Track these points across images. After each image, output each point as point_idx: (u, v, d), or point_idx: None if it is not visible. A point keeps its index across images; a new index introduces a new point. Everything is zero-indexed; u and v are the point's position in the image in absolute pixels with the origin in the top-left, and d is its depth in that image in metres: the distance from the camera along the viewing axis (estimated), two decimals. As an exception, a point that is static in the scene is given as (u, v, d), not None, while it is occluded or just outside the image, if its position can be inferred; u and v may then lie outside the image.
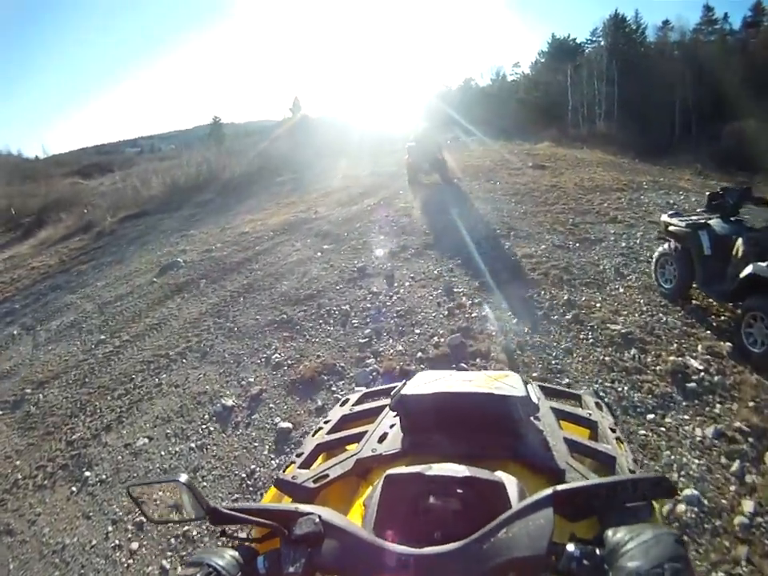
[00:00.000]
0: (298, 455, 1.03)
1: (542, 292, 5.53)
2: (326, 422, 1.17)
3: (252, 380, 4.83)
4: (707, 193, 5.28)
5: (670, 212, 5.45)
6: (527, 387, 0.95)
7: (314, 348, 5.20)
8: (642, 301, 5.41)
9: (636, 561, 0.51)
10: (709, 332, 4.81)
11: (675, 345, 4.62)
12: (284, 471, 0.99)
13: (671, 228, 5.17)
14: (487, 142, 24.75)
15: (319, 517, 0.66)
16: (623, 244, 7.06)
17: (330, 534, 0.64)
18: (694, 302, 5.40)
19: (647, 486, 0.66)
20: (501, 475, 0.73)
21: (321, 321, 5.68)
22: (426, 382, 0.98)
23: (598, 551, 0.56)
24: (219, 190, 17.67)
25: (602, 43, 29.66)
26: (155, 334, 6.43)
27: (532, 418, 0.94)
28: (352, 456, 0.93)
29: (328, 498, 0.89)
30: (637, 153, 17.97)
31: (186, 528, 3.06)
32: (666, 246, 5.35)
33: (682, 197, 10.64)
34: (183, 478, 0.72)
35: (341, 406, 1.27)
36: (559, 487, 0.62)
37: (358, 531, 0.65)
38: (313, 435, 1.13)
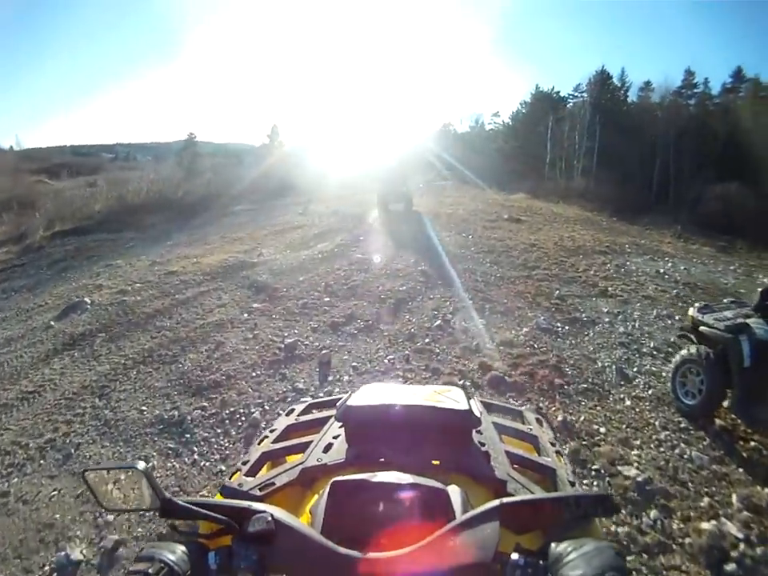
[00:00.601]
0: (244, 463, 1.00)
1: (527, 404, 4.07)
2: (271, 431, 1.14)
3: (111, 519, 3.17)
4: (759, 290, 4.01)
5: (698, 305, 4.15)
6: (470, 402, 0.96)
7: (200, 479, 3.54)
8: (657, 423, 4.04)
9: (578, 570, 0.54)
10: (742, 470, 3.62)
11: (706, 498, 3.33)
12: (230, 479, 0.96)
13: (703, 329, 3.88)
14: (462, 188, 24.37)
15: (272, 515, 0.66)
16: (621, 328, 5.79)
17: (281, 533, 0.65)
18: (717, 421, 4.09)
19: (590, 503, 0.68)
20: (444, 484, 0.73)
21: (220, 430, 4.01)
22: (372, 394, 0.99)
23: (541, 562, 0.59)
24: (169, 213, 15.91)
25: (586, 98, 29.87)
26: (25, 408, 4.74)
27: (474, 432, 0.96)
28: (298, 465, 0.93)
29: (274, 506, 0.82)
30: (614, 210, 17.47)
31: None
32: (691, 350, 4.03)
33: (669, 264, 9.73)
34: (141, 465, 0.72)
35: (286, 415, 1.24)
36: (506, 500, 0.65)
37: (310, 532, 0.65)
38: (258, 443, 1.10)
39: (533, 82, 54.91)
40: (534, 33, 67.75)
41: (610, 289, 7.19)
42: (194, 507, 0.69)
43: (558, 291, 6.80)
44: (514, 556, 0.59)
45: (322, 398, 1.43)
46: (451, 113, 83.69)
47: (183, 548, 0.66)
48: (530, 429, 1.15)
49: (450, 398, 0.95)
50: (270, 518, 0.65)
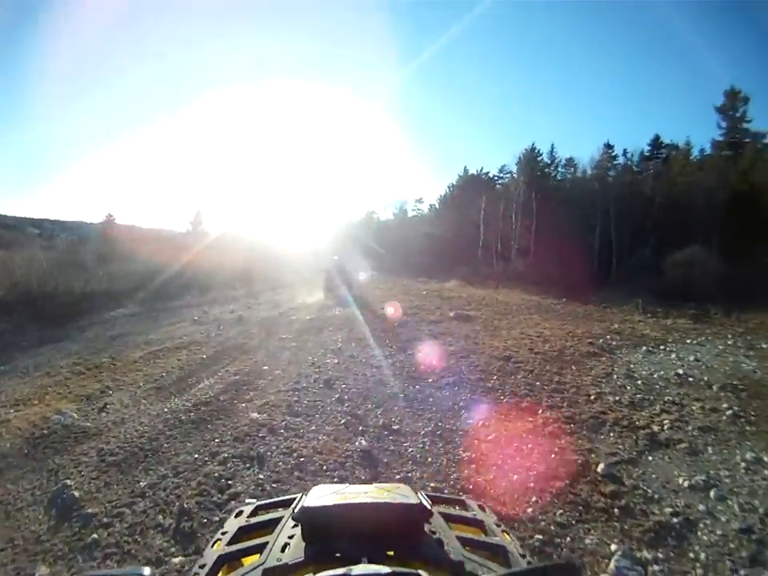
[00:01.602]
0: (201, 566, 0.98)
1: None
2: (222, 534, 1.12)
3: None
4: None
5: None
6: (418, 495, 0.99)
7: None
8: None
9: None
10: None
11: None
12: None
13: None
14: (390, 279, 22.60)
15: None
16: (726, 519, 3.07)
17: None
18: None
19: (557, 572, 0.74)
20: (418, 571, 0.76)
21: None
22: (325, 495, 1.00)
23: None
24: (31, 314, 11.79)
25: (516, 176, 30.52)
26: None
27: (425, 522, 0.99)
28: (258, 566, 0.91)
29: None
30: (561, 291, 16.10)
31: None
32: None
33: (673, 356, 7.70)
34: (147, 571, 0.74)
35: (236, 517, 1.21)
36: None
37: None
38: (212, 546, 1.08)
39: (454, 167, 56.11)
40: (451, 119, 72.88)
41: (655, 427, 4.62)
42: None
43: (594, 457, 4.03)
44: None
45: (268, 499, 1.27)
46: (374, 201, 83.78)
47: None
48: (475, 514, 1.18)
49: (400, 493, 0.99)
50: None
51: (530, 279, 18.88)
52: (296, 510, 0.98)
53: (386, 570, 0.71)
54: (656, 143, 28.53)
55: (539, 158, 31.59)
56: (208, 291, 17.76)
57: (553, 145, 32.32)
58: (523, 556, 0.97)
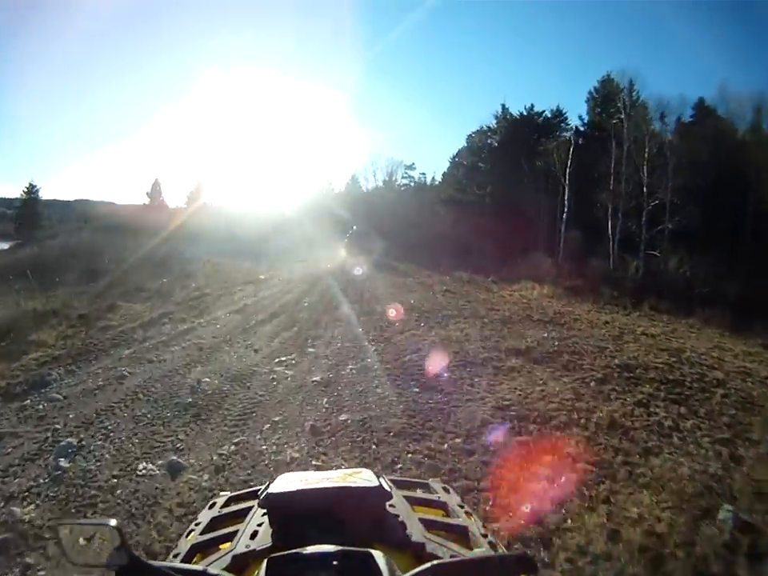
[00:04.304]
0: (175, 556, 1.05)
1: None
2: (196, 525, 1.19)
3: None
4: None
5: None
6: (380, 479, 1.02)
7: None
8: None
9: None
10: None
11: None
12: None
13: None
14: (389, 278, 16.67)
15: None
16: None
17: None
18: None
19: (512, 561, 0.78)
20: (369, 550, 0.80)
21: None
22: (290, 482, 1.03)
23: None
24: None
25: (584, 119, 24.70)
26: None
27: (388, 505, 1.02)
28: (228, 553, 0.96)
29: (227, 572, 0.89)
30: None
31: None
32: None
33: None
34: (113, 522, 0.76)
35: (209, 509, 1.28)
36: (437, 562, 0.76)
37: None
38: (186, 536, 1.15)
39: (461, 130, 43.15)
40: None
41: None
42: (157, 569, 0.76)
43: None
44: None
45: (239, 491, 1.37)
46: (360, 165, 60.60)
47: None
48: (438, 497, 1.25)
49: (362, 478, 1.02)
50: None
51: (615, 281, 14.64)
52: (261, 498, 1.01)
53: (334, 548, 0.78)
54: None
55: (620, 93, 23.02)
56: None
57: (631, 79, 22.75)
58: (485, 536, 1.05)
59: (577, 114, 30.86)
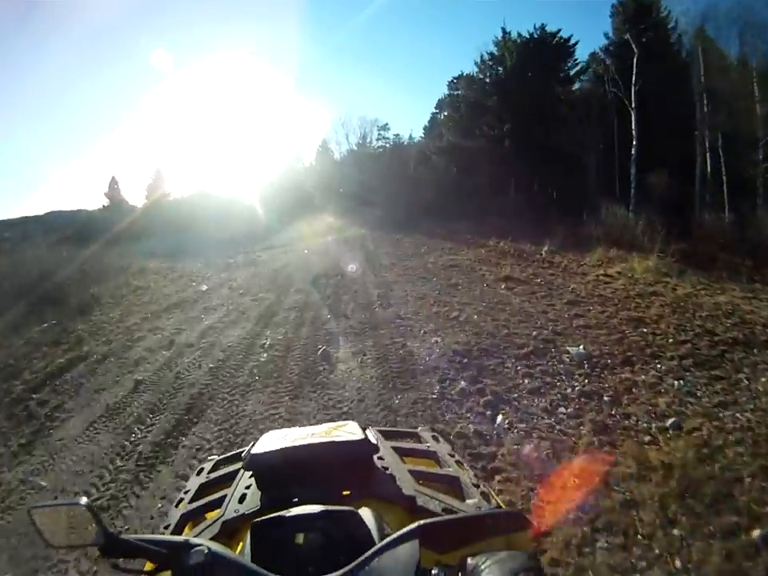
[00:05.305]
0: (165, 527, 1.01)
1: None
2: (185, 493, 1.15)
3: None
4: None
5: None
6: (365, 432, 1.00)
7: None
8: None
9: (493, 574, 0.58)
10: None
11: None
12: None
13: None
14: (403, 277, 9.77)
15: (208, 548, 0.69)
16: None
17: (218, 565, 0.67)
18: None
19: (503, 519, 0.76)
20: (354, 508, 0.78)
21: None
22: (273, 440, 1.00)
23: (460, 573, 0.62)
24: None
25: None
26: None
27: (375, 458, 1.01)
28: (218, 519, 0.94)
29: (210, 541, 0.84)
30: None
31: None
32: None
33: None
34: (84, 501, 0.73)
35: (197, 475, 1.23)
36: (423, 521, 0.69)
37: (245, 563, 0.68)
38: (176, 506, 1.10)
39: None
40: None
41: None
42: (135, 543, 0.72)
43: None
44: (434, 570, 0.62)
45: (226, 453, 1.30)
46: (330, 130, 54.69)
47: None
48: (428, 446, 1.22)
49: (346, 431, 1.00)
50: (206, 551, 0.68)
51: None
52: (246, 460, 0.97)
53: (318, 508, 0.75)
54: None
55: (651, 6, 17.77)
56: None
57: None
58: (477, 486, 1.01)
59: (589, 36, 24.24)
